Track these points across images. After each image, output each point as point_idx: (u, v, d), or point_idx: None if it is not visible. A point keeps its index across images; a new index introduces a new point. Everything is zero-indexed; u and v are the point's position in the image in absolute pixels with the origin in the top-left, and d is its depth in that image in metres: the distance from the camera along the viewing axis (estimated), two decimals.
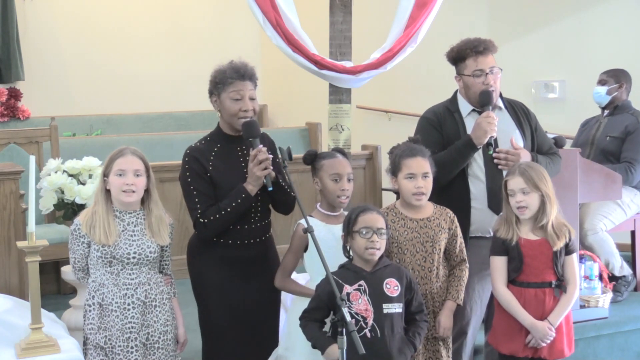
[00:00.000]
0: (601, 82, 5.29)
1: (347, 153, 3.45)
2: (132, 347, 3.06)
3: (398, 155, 3.32)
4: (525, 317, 3.29)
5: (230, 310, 3.27)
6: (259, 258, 3.33)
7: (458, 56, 3.68)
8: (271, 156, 3.19)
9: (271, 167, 3.18)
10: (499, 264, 3.35)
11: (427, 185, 3.27)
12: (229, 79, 3.26)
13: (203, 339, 3.39)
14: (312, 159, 3.32)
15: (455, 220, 3.36)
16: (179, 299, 3.33)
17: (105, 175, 3.11)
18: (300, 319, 3.02)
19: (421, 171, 3.26)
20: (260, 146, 3.18)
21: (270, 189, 3.16)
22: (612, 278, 4.92)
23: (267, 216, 3.39)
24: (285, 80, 8.28)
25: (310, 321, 3.00)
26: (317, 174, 3.29)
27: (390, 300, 3.00)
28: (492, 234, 3.49)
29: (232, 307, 3.27)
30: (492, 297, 3.44)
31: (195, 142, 3.34)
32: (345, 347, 2.70)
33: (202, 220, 3.20)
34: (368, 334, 2.93)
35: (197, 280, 3.36)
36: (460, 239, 3.37)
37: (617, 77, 5.26)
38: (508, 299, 3.32)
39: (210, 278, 3.29)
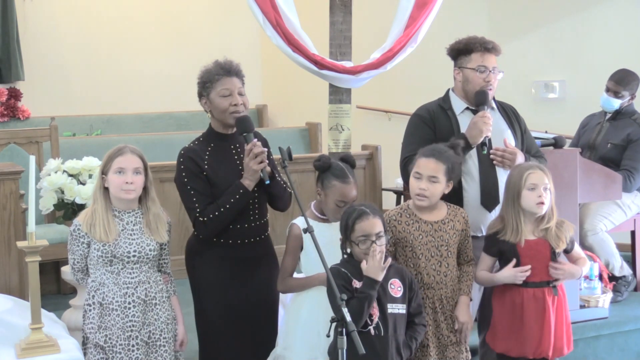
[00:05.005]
0: (616, 94, 5.09)
1: (353, 161, 3.34)
2: (133, 346, 3.06)
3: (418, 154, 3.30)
4: (501, 277, 3.31)
5: (228, 310, 3.26)
6: (257, 257, 3.32)
7: (465, 48, 3.64)
8: (266, 149, 3.19)
9: (267, 161, 3.17)
10: (489, 262, 3.37)
11: (432, 188, 3.22)
12: (215, 76, 3.27)
13: (199, 339, 3.38)
14: (325, 170, 3.25)
15: (468, 219, 3.35)
16: (179, 298, 3.32)
17: (104, 173, 3.11)
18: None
19: (427, 173, 3.21)
20: (255, 140, 3.18)
21: (268, 182, 3.16)
22: (612, 278, 4.92)
23: (265, 215, 3.39)
24: (285, 80, 8.28)
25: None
26: (323, 188, 3.23)
27: (394, 300, 3.01)
28: (483, 233, 3.50)
29: (230, 307, 3.26)
30: (491, 298, 3.44)
31: (188, 143, 3.34)
32: (345, 347, 2.69)
33: (201, 218, 3.19)
34: (372, 331, 2.94)
35: (195, 280, 3.35)
36: (470, 239, 3.37)
37: (632, 89, 5.10)
38: (485, 277, 3.35)
39: (208, 278, 3.28)
